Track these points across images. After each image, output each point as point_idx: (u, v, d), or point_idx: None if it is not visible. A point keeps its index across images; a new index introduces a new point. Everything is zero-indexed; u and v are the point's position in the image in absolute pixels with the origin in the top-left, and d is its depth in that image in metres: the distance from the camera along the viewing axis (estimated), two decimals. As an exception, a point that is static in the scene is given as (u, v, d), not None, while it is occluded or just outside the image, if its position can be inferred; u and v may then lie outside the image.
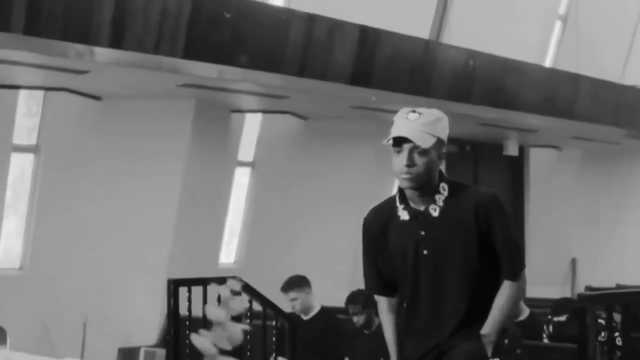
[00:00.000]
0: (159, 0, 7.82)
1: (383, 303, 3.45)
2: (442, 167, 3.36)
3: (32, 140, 8.88)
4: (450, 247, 3.27)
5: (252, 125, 10.59)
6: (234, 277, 2.32)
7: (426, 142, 3.19)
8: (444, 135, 3.27)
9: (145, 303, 9.03)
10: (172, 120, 9.35)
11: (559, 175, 14.24)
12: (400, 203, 3.32)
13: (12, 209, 8.78)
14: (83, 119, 9.11)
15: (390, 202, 3.36)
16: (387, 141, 3.18)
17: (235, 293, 2.07)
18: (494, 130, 12.31)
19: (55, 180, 8.88)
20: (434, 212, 3.28)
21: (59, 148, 8.95)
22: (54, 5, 7.20)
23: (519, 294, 3.36)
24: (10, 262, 8.80)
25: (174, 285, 5.64)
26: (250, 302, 5.89)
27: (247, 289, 5.51)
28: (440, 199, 3.28)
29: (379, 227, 3.36)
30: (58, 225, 8.87)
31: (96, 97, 9.16)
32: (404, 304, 3.38)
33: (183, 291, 5.61)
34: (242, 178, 10.60)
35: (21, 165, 8.80)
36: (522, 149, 13.80)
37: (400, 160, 3.22)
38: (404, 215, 3.31)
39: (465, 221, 3.26)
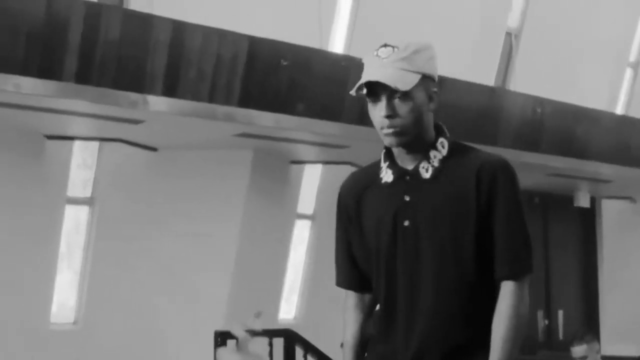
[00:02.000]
0: (213, 47, 7.72)
1: (351, 299, 2.60)
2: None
3: (87, 193, 8.80)
4: (439, 222, 2.43)
5: (311, 177, 10.41)
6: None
7: (407, 83, 2.41)
8: (431, 69, 2.46)
9: (200, 357, 8.81)
10: (229, 171, 9.21)
11: (634, 227, 13.78)
12: (385, 161, 2.53)
13: (66, 262, 8.68)
14: (138, 171, 9.01)
15: (375, 164, 2.57)
16: (357, 91, 2.42)
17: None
18: (564, 180, 11.99)
19: (110, 233, 8.77)
20: (425, 172, 2.46)
21: (114, 200, 8.85)
22: (106, 53, 7.14)
23: (525, 309, 2.44)
24: (64, 316, 8.69)
25: (220, 338, 5.40)
26: (305, 357, 5.59)
27: (303, 342, 5.23)
28: (435, 157, 2.47)
29: (355, 197, 2.55)
30: (113, 278, 8.74)
31: (152, 148, 9.06)
32: (378, 307, 2.56)
33: (231, 344, 5.36)
34: (301, 231, 10.39)
35: (76, 218, 8.73)
36: (593, 201, 13.41)
37: (378, 112, 2.43)
38: (387, 176, 2.51)
39: (463, 188, 2.43)
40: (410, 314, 2.47)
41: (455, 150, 2.47)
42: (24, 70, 6.78)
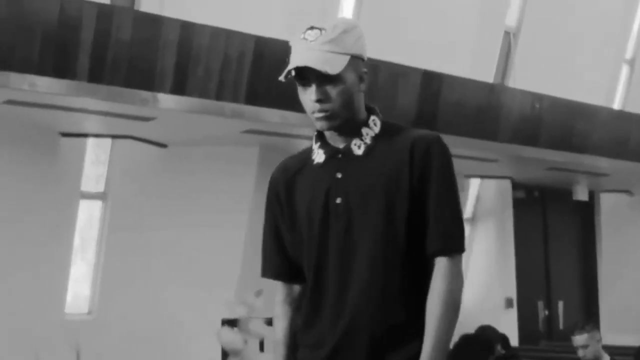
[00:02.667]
0: (221, 45, 7.93)
1: (280, 292, 2.49)
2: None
3: (100, 188, 9.04)
4: (372, 197, 2.37)
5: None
6: (258, 292, 2.14)
7: (336, 66, 2.33)
8: (360, 49, 2.39)
9: (209, 348, 9.01)
10: (236, 167, 9.41)
11: (631, 220, 13.91)
12: (317, 142, 2.46)
13: (80, 255, 8.92)
14: (149, 166, 9.23)
15: (306, 149, 2.50)
16: (286, 76, 2.35)
17: (253, 312, 1.93)
18: (562, 174, 12.12)
19: (122, 227, 8.99)
20: (358, 149, 2.41)
21: (126, 195, 9.07)
22: (117, 53, 7.35)
23: (458, 287, 2.35)
24: (79, 306, 8.92)
25: (228, 325, 5.69)
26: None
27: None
28: (368, 134, 2.42)
29: (285, 182, 2.46)
30: (125, 270, 8.96)
31: (162, 145, 9.28)
32: (306, 293, 2.43)
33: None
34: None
35: (89, 212, 8.96)
36: (592, 194, 13.54)
37: (308, 97, 2.37)
38: (319, 156, 2.44)
39: (396, 163, 2.38)
40: (340, 293, 2.35)
41: (388, 128, 2.44)
42: (39, 69, 6.99)
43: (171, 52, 7.71)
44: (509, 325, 11.04)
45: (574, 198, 12.92)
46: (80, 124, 8.48)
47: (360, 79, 2.41)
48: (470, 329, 6.89)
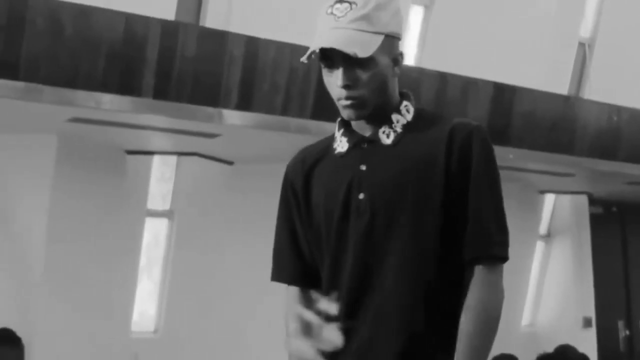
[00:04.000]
0: (286, 60, 7.85)
1: (293, 294, 2.13)
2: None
3: (166, 205, 9.01)
4: (400, 193, 2.02)
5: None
6: (330, 298, 1.91)
7: (367, 47, 2.01)
8: (396, 27, 2.07)
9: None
10: (304, 183, 9.28)
11: None
12: (340, 129, 2.13)
13: (146, 273, 8.89)
14: (215, 184, 9.18)
15: (329, 137, 2.18)
16: (309, 57, 2.03)
17: (327, 318, 1.76)
18: (642, 189, 11.78)
19: (189, 244, 8.95)
20: (386, 138, 2.07)
21: (192, 213, 9.04)
22: (183, 69, 7.32)
23: (497, 302, 2.01)
24: (145, 325, 8.89)
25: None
26: None
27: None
28: (399, 121, 2.08)
29: (303, 174, 2.15)
30: (191, 288, 8.91)
31: (228, 162, 9.22)
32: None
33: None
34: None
35: (155, 230, 8.94)
36: (674, 209, 13.11)
37: (334, 81, 2.04)
38: (341, 145, 2.10)
39: (429, 155, 2.03)
40: (358, 301, 2.03)
41: (422, 116, 2.11)
42: (104, 87, 6.99)
43: (236, 68, 7.66)
44: (587, 345, 10.72)
45: (655, 214, 12.56)
46: (146, 141, 8.47)
47: (395, 62, 2.09)
48: (547, 348, 6.66)
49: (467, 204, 2.03)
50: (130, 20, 7.10)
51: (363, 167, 2.08)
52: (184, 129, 7.84)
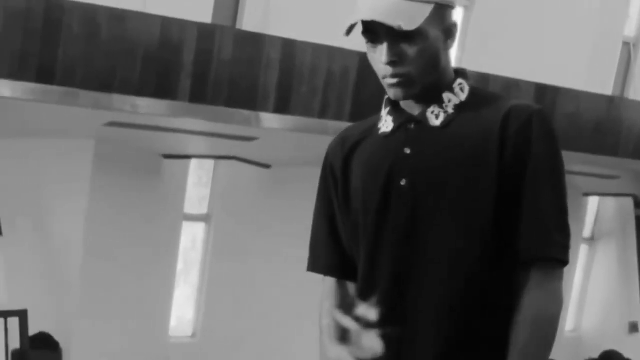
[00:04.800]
0: (324, 63, 7.77)
1: (330, 285, 1.94)
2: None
3: (203, 210, 8.96)
4: (447, 181, 1.80)
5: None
6: (372, 301, 1.78)
7: (415, 18, 1.78)
8: None
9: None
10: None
11: None
12: (386, 106, 1.92)
13: (184, 278, 8.85)
14: (253, 187, 9.12)
15: (377, 116, 1.96)
16: (348, 32, 1.82)
17: (366, 324, 1.65)
18: (689, 191, 11.53)
19: (226, 249, 8.91)
20: (435, 119, 1.84)
21: (229, 217, 8.99)
22: (219, 72, 7.28)
23: (554, 310, 1.77)
24: (183, 330, 8.85)
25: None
26: None
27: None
28: (451, 100, 1.85)
29: (343, 154, 1.93)
30: (229, 292, 8.86)
31: (265, 165, 9.16)
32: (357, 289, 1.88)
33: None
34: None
35: (192, 234, 8.90)
36: None
37: (379, 57, 1.83)
38: (386, 125, 1.89)
39: (482, 139, 1.80)
40: (396, 304, 1.82)
41: (478, 96, 1.88)
42: (140, 91, 6.97)
43: (273, 71, 7.60)
44: (634, 352, 10.52)
45: (703, 216, 12.29)
46: (183, 145, 8.44)
47: (447, 34, 1.85)
48: (592, 354, 6.52)
49: (523, 198, 1.78)
50: (167, 23, 7.07)
51: (407, 151, 1.85)
52: (221, 132, 7.79)
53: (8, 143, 7.54)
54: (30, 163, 7.71)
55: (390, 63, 1.83)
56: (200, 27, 7.34)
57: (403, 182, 1.84)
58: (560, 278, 1.80)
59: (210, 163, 8.97)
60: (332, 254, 1.96)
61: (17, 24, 6.39)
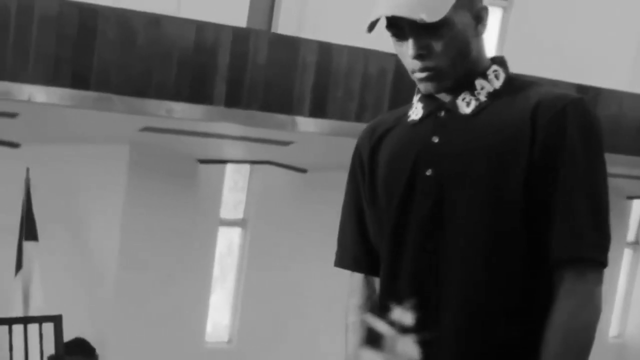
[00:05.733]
0: (360, 65, 7.69)
1: (357, 282, 1.86)
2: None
3: (239, 214, 8.92)
4: (475, 171, 1.67)
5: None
6: (405, 306, 1.70)
7: (438, 8, 1.67)
8: None
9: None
10: (379, 191, 9.14)
11: None
12: (417, 93, 1.85)
13: (220, 283, 8.81)
14: (289, 192, 9.06)
15: (410, 104, 1.87)
16: (370, 28, 1.72)
17: (402, 330, 1.55)
18: None
19: (262, 254, 8.86)
20: (466, 106, 1.74)
21: (265, 221, 8.94)
22: (255, 76, 7.22)
23: (591, 317, 1.58)
24: (219, 335, 8.80)
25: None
26: None
27: None
28: (483, 88, 1.74)
29: (371, 143, 1.88)
30: (266, 298, 8.81)
31: (301, 170, 9.10)
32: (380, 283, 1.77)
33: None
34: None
35: (229, 239, 8.86)
36: None
37: (406, 51, 1.76)
38: (416, 112, 1.81)
39: (513, 129, 1.68)
40: (420, 305, 1.62)
41: (514, 84, 1.76)
42: (175, 95, 6.94)
43: (309, 74, 7.53)
44: (677, 358, 10.31)
45: None
46: (218, 150, 8.40)
47: (478, 19, 1.73)
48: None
49: (555, 192, 1.64)
50: (201, 27, 7.03)
51: (435, 139, 1.77)
52: (257, 136, 7.74)
53: (43, 149, 7.56)
54: (66, 169, 7.71)
55: (418, 57, 1.76)
56: (235, 31, 7.29)
57: (428, 172, 1.74)
58: (596, 282, 1.63)
59: (246, 167, 8.92)
60: (359, 249, 1.88)
61: (50, 29, 6.39)
